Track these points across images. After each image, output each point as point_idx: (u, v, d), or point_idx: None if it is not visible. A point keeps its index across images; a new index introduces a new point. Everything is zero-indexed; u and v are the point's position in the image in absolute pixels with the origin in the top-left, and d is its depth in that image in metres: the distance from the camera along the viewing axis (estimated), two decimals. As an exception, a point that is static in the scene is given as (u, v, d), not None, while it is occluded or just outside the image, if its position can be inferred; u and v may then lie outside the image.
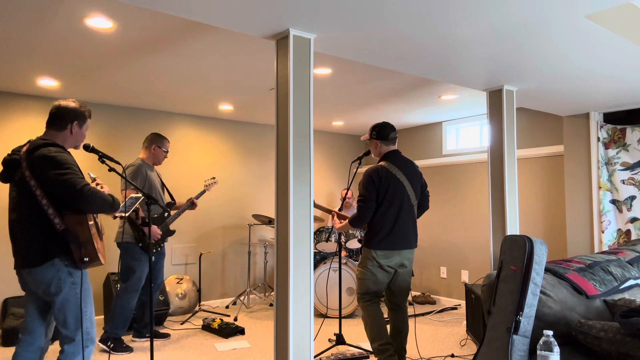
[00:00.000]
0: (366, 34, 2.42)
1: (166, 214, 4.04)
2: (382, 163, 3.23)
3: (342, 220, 3.50)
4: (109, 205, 2.33)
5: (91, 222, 2.36)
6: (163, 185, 4.16)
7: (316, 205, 3.63)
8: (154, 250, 3.92)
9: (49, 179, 2.23)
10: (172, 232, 4.11)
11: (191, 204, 4.22)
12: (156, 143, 4.06)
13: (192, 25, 2.81)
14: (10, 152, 2.38)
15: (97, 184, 2.50)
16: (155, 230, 3.86)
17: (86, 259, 2.27)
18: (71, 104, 2.46)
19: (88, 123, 2.53)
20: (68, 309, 2.30)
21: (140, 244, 3.83)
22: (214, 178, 4.47)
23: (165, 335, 4.15)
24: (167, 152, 4.11)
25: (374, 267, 3.14)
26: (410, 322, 4.75)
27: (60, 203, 2.27)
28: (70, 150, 4.57)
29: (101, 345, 3.81)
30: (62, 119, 2.42)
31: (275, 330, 2.31)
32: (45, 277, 2.25)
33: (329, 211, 3.70)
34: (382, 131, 3.27)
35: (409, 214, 3.21)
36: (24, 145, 2.38)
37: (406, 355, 3.30)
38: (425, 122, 5.83)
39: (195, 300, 5.04)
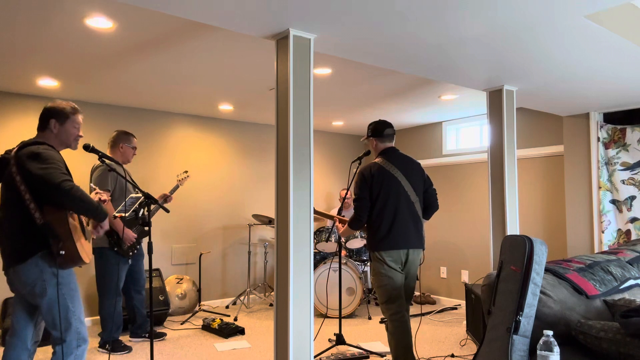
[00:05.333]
0: (366, 34, 2.42)
1: (140, 214, 3.99)
2: (376, 160, 3.16)
3: (344, 225, 3.44)
4: (92, 207, 2.30)
5: (75, 222, 2.36)
6: (134, 184, 4.11)
7: (316, 212, 3.56)
8: (130, 253, 3.85)
9: (30, 172, 2.24)
10: (147, 233, 4.07)
11: (165, 200, 4.13)
12: (123, 141, 3.90)
13: (192, 25, 2.81)
14: (2, 153, 2.42)
15: (97, 193, 2.52)
16: (129, 233, 3.78)
17: (62, 252, 2.25)
18: (52, 103, 2.48)
19: (74, 119, 2.49)
20: (55, 310, 2.29)
21: (115, 249, 3.77)
22: (186, 172, 4.41)
23: (162, 335, 4.15)
24: (135, 148, 3.97)
25: (387, 270, 3.01)
26: (411, 322, 4.75)
27: (41, 198, 2.28)
28: (70, 151, 4.59)
29: (100, 349, 3.81)
30: (43, 120, 2.46)
31: (275, 330, 2.31)
32: (29, 278, 2.25)
33: (330, 217, 3.62)
34: (377, 128, 3.21)
35: (409, 212, 3.08)
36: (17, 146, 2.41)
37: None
38: (425, 122, 5.83)
39: (195, 300, 5.04)
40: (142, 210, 3.95)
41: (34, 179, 2.24)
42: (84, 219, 2.52)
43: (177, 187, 4.31)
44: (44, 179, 2.22)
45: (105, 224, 2.47)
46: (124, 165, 4.15)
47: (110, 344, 3.77)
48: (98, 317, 4.71)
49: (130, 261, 3.92)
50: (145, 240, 4.89)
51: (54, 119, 2.46)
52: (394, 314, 3.01)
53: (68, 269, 2.34)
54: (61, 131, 2.48)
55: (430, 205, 3.23)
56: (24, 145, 2.34)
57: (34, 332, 2.43)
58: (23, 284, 2.27)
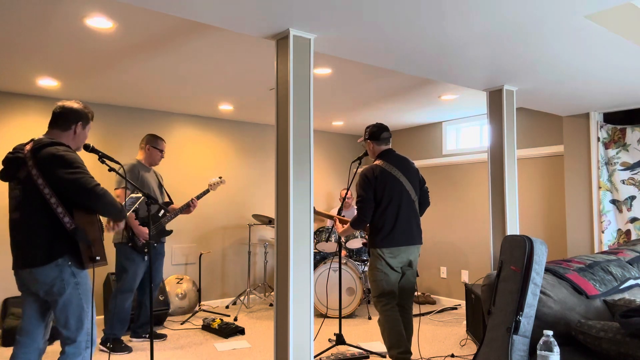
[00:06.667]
0: (366, 34, 2.42)
1: (160, 214, 4.03)
2: (377, 162, 3.27)
3: (344, 225, 3.48)
4: (118, 209, 2.34)
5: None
6: (161, 186, 4.14)
7: (316, 212, 3.60)
8: (145, 250, 3.89)
9: (59, 178, 2.21)
10: (169, 232, 4.08)
11: (188, 206, 4.10)
12: (150, 143, 4.06)
13: (192, 25, 2.81)
14: (12, 150, 2.35)
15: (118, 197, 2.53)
16: (143, 230, 3.83)
17: (98, 258, 2.27)
18: (75, 104, 2.46)
19: (90, 125, 2.54)
20: (70, 310, 2.27)
21: (130, 244, 3.82)
22: (220, 177, 4.36)
23: (162, 336, 4.15)
24: (162, 151, 4.10)
25: (384, 267, 3.13)
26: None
27: (69, 202, 2.26)
28: None
29: (101, 347, 3.82)
30: (66, 120, 2.42)
31: (275, 330, 2.31)
32: (48, 277, 2.23)
33: (330, 217, 3.69)
34: (374, 132, 3.33)
35: (410, 210, 3.22)
36: (27, 143, 2.35)
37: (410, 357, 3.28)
38: (425, 122, 5.83)
39: (195, 300, 5.04)
40: (165, 212, 4.04)
41: (63, 184, 2.21)
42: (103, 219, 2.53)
43: (207, 191, 4.27)
44: (76, 185, 2.21)
45: (122, 224, 2.52)
46: (154, 168, 4.28)
47: (110, 342, 3.77)
48: (102, 317, 4.71)
49: (146, 258, 3.93)
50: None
51: (81, 122, 2.45)
52: (385, 305, 3.15)
53: (85, 270, 2.34)
54: (80, 134, 2.48)
55: (423, 203, 3.41)
56: (40, 145, 2.27)
57: (45, 331, 2.41)
58: (40, 284, 2.24)
